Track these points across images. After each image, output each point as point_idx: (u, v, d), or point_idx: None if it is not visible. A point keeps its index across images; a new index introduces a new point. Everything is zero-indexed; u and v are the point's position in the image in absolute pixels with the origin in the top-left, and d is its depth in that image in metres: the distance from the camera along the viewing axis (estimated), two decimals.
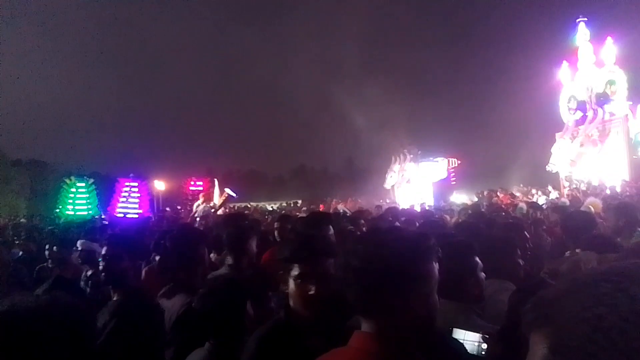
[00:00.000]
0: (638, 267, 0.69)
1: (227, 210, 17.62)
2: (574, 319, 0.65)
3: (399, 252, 1.23)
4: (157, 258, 4.02)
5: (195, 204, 15.55)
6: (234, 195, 15.20)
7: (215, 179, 19.34)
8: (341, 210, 10.63)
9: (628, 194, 11.65)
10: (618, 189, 13.08)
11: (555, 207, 8.44)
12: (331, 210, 13.88)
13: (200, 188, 21.00)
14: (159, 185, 24.10)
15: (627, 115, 18.40)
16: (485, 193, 17.52)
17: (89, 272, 4.79)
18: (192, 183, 23.02)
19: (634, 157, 17.85)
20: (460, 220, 6.28)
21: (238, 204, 24.07)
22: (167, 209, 21.82)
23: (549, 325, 0.68)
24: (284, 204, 26.79)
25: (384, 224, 5.29)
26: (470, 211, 7.22)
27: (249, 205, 25.71)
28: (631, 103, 18.80)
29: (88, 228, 7.70)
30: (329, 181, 55.99)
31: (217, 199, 16.58)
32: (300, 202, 26.97)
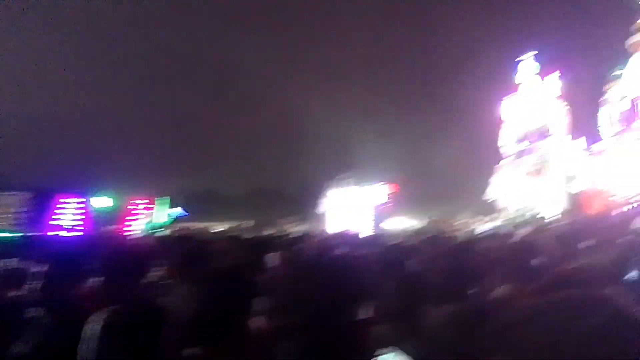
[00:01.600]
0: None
1: (176, 229, 17.16)
2: None
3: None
4: (99, 278, 3.80)
5: (139, 222, 15.05)
6: (184, 213, 14.82)
7: (165, 197, 18.83)
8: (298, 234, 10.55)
9: (563, 223, 12.22)
10: (556, 219, 13.68)
11: (491, 235, 8.70)
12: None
13: (149, 206, 20.35)
14: (101, 202, 23.11)
15: (566, 148, 19.51)
16: (432, 219, 18.08)
17: (16, 293, 4.47)
18: (136, 201, 22.26)
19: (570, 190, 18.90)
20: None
21: (187, 224, 23.46)
22: (108, 227, 20.96)
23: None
24: (234, 225, 26.30)
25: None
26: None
27: (197, 225, 25.07)
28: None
29: (20, 245, 7.20)
30: (284, 203, 55.69)
31: (163, 217, 16.11)
32: (253, 222, 26.60)
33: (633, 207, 12.98)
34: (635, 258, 2.35)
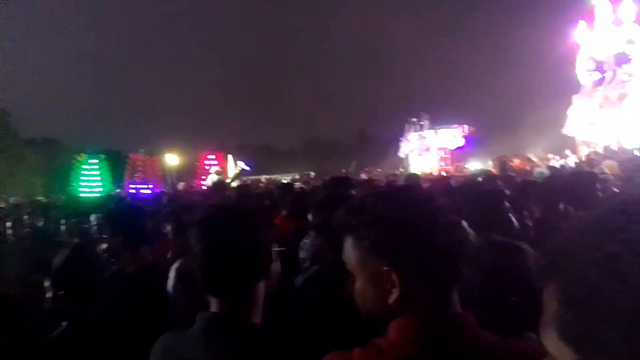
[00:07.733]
0: None
1: (241, 183, 17.63)
2: (585, 261, 0.52)
3: None
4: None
5: (210, 177, 15.58)
6: (247, 168, 15.15)
7: (229, 154, 19.28)
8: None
9: None
10: (637, 153, 12.73)
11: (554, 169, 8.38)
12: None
13: (215, 162, 21.00)
14: (172, 160, 24.09)
15: None
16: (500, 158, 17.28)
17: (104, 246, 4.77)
18: (207, 157, 23.02)
19: None
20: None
21: (252, 177, 24.09)
22: (181, 183, 21.91)
23: (559, 273, 0.56)
24: (297, 176, 26.79)
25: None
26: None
27: (262, 179, 25.70)
28: None
29: (101, 203, 7.69)
30: (341, 153, 55.88)
31: (230, 172, 16.58)
32: (312, 173, 26.87)
33: None
34: None
